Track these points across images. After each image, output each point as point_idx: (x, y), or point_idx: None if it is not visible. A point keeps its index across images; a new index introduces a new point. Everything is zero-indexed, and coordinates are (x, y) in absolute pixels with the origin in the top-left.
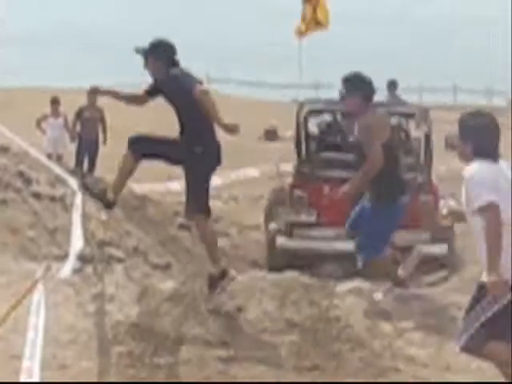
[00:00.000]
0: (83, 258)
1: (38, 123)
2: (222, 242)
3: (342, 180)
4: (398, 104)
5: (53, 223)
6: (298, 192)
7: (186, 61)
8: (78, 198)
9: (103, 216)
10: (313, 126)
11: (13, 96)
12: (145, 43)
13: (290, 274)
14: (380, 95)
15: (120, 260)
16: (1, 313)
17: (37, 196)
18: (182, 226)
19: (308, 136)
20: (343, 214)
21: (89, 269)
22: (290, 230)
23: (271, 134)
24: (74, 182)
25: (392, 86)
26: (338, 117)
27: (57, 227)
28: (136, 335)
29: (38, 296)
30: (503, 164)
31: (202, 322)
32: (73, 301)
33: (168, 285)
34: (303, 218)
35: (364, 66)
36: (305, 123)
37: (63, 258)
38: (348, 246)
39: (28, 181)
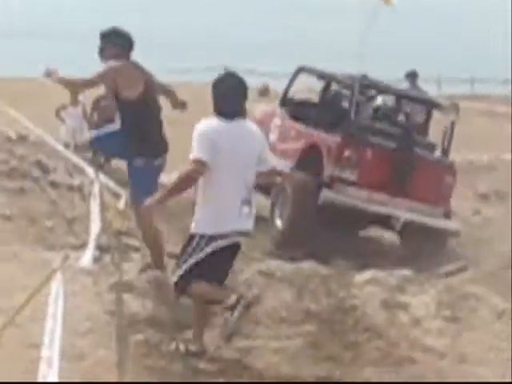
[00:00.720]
0: (101, 248)
1: (58, 112)
2: None
3: (383, 148)
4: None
5: (70, 213)
6: (347, 151)
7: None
8: (96, 188)
9: (120, 205)
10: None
11: (33, 85)
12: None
13: (308, 264)
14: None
15: (137, 249)
16: (19, 302)
17: (54, 185)
18: None
19: (358, 104)
20: (382, 179)
21: (106, 258)
22: (331, 184)
23: None
24: (91, 172)
25: (412, 76)
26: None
27: (74, 217)
28: (153, 324)
29: (56, 285)
30: (244, 124)
31: (219, 311)
32: (91, 290)
33: None
34: (347, 175)
35: (381, 58)
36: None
37: (81, 247)
38: (381, 209)
39: (46, 170)
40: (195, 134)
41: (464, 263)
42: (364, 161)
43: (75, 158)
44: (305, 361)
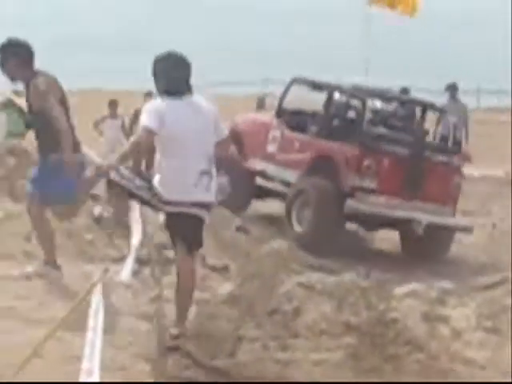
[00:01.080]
0: (141, 261)
1: (96, 125)
2: (278, 243)
3: (397, 155)
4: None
5: (110, 226)
6: (366, 161)
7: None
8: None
9: (161, 218)
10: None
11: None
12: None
13: (348, 277)
14: (437, 98)
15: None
16: (59, 314)
17: (95, 198)
18: (239, 228)
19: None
20: (398, 185)
21: (146, 271)
22: (351, 193)
23: None
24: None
25: (452, 89)
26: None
27: (114, 230)
28: (194, 337)
29: (96, 298)
30: (192, 99)
31: (259, 324)
32: (131, 303)
33: (225, 287)
34: (367, 183)
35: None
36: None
37: (121, 260)
38: (403, 214)
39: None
40: (143, 111)
41: (504, 275)
42: (381, 169)
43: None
44: (345, 373)
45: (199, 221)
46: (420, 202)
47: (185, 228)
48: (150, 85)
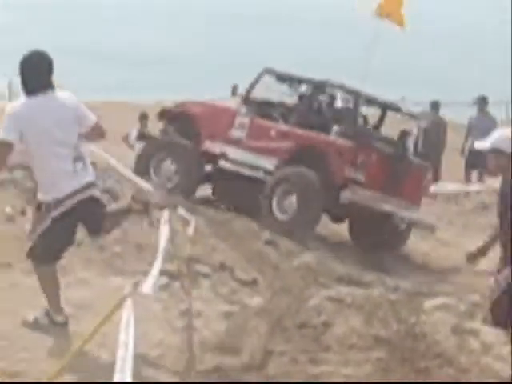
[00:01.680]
0: (170, 274)
1: (125, 138)
2: (309, 257)
3: (383, 152)
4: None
5: (140, 238)
6: (361, 155)
7: None
8: (166, 213)
9: (190, 231)
10: None
11: (101, 110)
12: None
13: (377, 291)
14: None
15: (207, 276)
16: (87, 328)
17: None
18: (268, 242)
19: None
20: (383, 180)
21: (176, 285)
22: (344, 185)
23: None
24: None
25: (481, 101)
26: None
27: (143, 242)
28: (223, 351)
29: (127, 312)
30: (52, 95)
31: (289, 338)
32: (161, 317)
33: (255, 301)
34: (357, 176)
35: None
36: None
37: (150, 273)
38: (392, 209)
39: (114, 196)
40: (4, 115)
41: None
42: (370, 164)
43: (144, 184)
44: None
45: (96, 202)
46: (397, 198)
47: (86, 213)
48: (178, 97)
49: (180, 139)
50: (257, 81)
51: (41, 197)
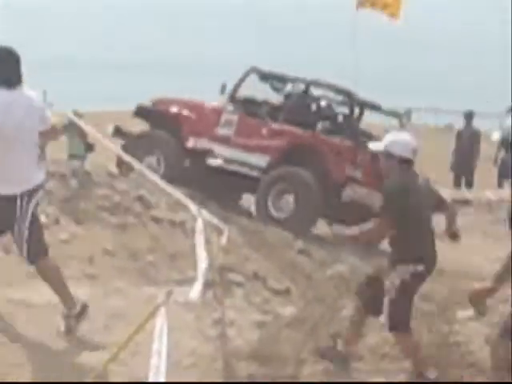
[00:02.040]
0: (204, 283)
1: None
2: (342, 267)
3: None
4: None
5: (173, 248)
6: (360, 154)
7: None
8: (200, 223)
9: (223, 241)
10: None
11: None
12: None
13: None
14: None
15: (240, 285)
16: (120, 337)
17: (156, 220)
18: (301, 251)
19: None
20: (373, 178)
21: (209, 293)
22: (345, 183)
23: None
24: (194, 207)
25: None
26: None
27: (177, 252)
28: (256, 360)
29: (160, 321)
30: (20, 91)
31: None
32: (194, 325)
33: (288, 310)
34: (356, 174)
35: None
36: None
37: (183, 282)
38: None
39: (148, 205)
40: None
41: None
42: (366, 162)
43: (178, 194)
44: None
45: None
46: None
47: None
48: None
49: (161, 133)
50: (243, 79)
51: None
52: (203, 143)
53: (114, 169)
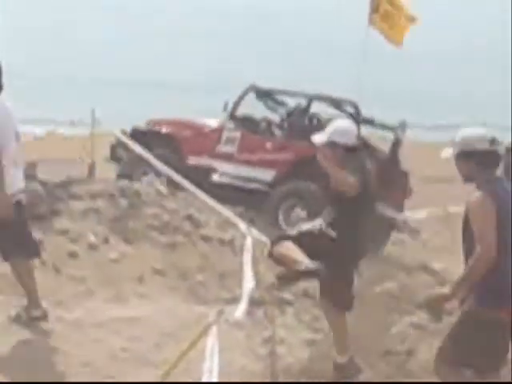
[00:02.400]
0: (254, 302)
1: None
2: (389, 284)
3: (379, 160)
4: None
5: (222, 266)
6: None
7: None
8: (249, 241)
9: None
10: None
11: None
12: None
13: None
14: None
15: (290, 303)
16: (170, 356)
17: (206, 239)
18: None
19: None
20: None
21: (259, 312)
22: None
23: None
24: (243, 225)
25: None
26: None
27: (226, 270)
28: (307, 378)
29: (211, 340)
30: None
31: (373, 364)
32: (244, 344)
33: None
34: None
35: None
36: None
37: (233, 301)
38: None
39: (197, 224)
40: None
41: None
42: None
43: (227, 212)
44: None
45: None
46: (387, 202)
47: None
48: None
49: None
50: (242, 97)
51: None
52: (202, 160)
53: (163, 189)
